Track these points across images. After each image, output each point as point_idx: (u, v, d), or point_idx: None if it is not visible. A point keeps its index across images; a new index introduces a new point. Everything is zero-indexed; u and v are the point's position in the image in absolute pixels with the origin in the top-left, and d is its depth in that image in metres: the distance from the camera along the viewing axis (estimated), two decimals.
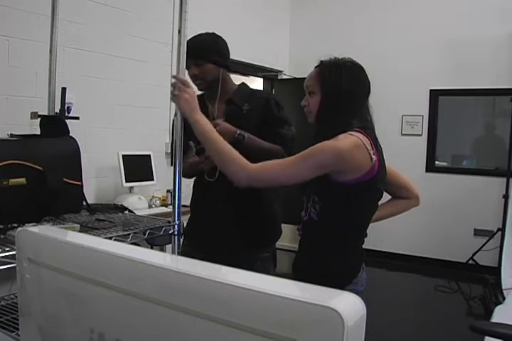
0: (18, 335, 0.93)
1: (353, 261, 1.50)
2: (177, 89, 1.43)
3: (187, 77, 1.56)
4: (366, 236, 1.54)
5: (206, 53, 1.88)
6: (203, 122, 1.44)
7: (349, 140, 1.38)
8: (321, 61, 1.54)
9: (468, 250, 4.62)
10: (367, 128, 1.48)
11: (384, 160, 1.53)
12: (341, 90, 1.47)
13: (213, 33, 1.98)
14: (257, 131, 1.82)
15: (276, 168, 1.38)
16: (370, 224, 1.58)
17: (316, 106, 1.51)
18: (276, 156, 1.81)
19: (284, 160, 1.41)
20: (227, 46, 2.00)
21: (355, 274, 1.47)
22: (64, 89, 2.93)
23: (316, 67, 1.55)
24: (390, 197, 1.74)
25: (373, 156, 1.40)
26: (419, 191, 1.72)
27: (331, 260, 1.45)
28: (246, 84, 2.07)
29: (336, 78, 1.47)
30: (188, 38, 1.46)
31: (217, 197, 1.89)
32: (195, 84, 1.87)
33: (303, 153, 1.37)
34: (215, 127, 1.72)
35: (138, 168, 3.44)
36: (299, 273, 1.53)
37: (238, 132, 1.76)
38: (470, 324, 1.68)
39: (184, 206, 1.50)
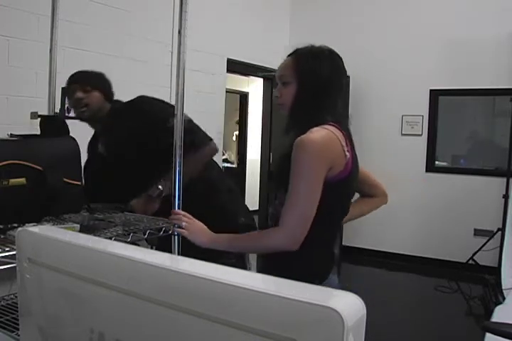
0: (18, 335, 0.93)
1: (322, 262, 1.42)
2: (184, 222, 1.37)
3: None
4: (336, 238, 1.48)
5: (96, 81, 1.89)
6: (221, 239, 1.38)
7: (322, 133, 1.30)
8: (297, 49, 1.44)
9: (468, 250, 4.62)
10: (341, 122, 1.40)
11: (357, 157, 1.44)
12: (319, 80, 1.37)
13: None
14: (150, 146, 1.76)
15: (291, 212, 1.27)
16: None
17: (290, 98, 1.40)
18: (200, 159, 1.79)
19: (289, 199, 1.29)
20: (110, 84, 1.98)
21: (325, 276, 1.39)
22: (64, 89, 2.92)
23: (289, 56, 1.44)
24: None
25: (347, 153, 1.32)
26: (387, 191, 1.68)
27: (296, 260, 1.35)
28: (119, 101, 1.99)
29: (313, 67, 1.37)
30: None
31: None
32: (77, 112, 1.88)
33: (292, 176, 1.28)
34: (139, 210, 1.68)
35: None
36: (267, 273, 1.49)
37: (153, 196, 1.68)
38: (482, 324, 1.68)
39: None
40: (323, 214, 1.30)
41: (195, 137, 1.81)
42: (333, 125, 1.34)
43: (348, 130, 1.40)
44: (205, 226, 1.39)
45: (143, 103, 1.87)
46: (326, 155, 1.28)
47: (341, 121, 1.39)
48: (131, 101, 1.94)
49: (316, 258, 1.40)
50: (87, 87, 1.84)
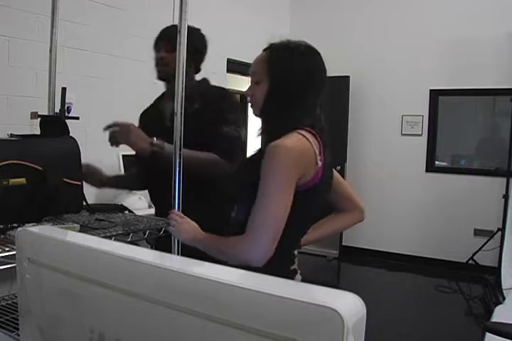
0: (18, 335, 0.93)
1: (281, 272, 1.31)
2: (175, 222, 1.32)
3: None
4: (300, 247, 1.36)
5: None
6: (203, 238, 1.28)
7: (295, 138, 1.20)
8: (271, 44, 1.31)
9: (468, 250, 4.62)
10: (318, 127, 1.28)
11: (331, 166, 1.34)
12: (293, 79, 1.25)
13: (199, 29, 1.89)
14: (208, 132, 1.66)
15: (260, 221, 1.14)
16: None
17: (262, 98, 1.29)
18: (215, 168, 1.65)
19: (257, 206, 1.16)
20: (206, 48, 1.89)
21: None
22: (64, 89, 2.93)
23: (264, 51, 1.33)
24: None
25: (319, 161, 1.23)
26: (364, 207, 1.49)
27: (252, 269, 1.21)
28: (206, 80, 1.89)
29: (286, 64, 1.26)
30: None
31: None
32: (157, 70, 1.81)
33: (263, 183, 1.17)
34: (127, 132, 1.58)
35: None
36: None
37: (154, 142, 1.58)
38: (482, 324, 1.68)
39: None
40: (288, 222, 1.18)
41: (235, 152, 1.73)
42: (309, 131, 1.24)
43: (325, 136, 1.28)
44: (197, 226, 1.33)
45: (223, 99, 1.79)
46: (298, 162, 1.19)
47: (319, 126, 1.28)
48: (218, 91, 1.85)
49: (275, 271, 1.23)
50: (169, 45, 1.74)
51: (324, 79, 1.32)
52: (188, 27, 1.86)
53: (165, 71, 1.78)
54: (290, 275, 1.32)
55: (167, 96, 1.87)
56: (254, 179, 1.21)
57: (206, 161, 1.67)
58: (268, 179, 1.17)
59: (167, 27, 1.85)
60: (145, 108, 2.05)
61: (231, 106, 1.79)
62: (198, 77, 1.92)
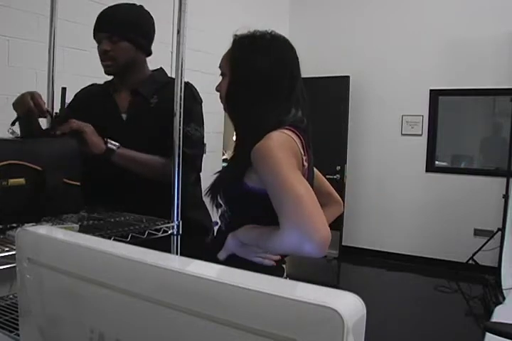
0: (18, 335, 0.93)
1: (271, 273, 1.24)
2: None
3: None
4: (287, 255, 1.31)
5: (125, 28, 1.56)
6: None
7: (281, 137, 1.09)
8: (235, 35, 1.25)
9: (468, 250, 4.62)
10: (301, 128, 1.17)
11: (313, 166, 1.28)
12: (254, 71, 1.16)
13: (140, 6, 1.66)
14: (166, 129, 1.48)
15: (293, 203, 0.99)
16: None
17: (225, 92, 1.21)
18: (166, 171, 1.45)
19: (286, 203, 1.02)
20: (153, 25, 1.65)
21: None
22: (64, 89, 2.91)
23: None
24: None
25: (305, 163, 1.15)
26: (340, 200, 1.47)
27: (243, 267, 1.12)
28: (163, 71, 1.76)
29: (247, 55, 1.17)
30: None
31: None
32: (103, 65, 1.61)
33: (274, 183, 1.03)
34: (81, 132, 1.45)
35: None
36: None
37: (107, 147, 1.50)
38: (483, 324, 1.68)
39: None
40: (273, 223, 1.08)
41: (198, 156, 1.63)
42: (291, 130, 1.14)
43: (308, 135, 1.19)
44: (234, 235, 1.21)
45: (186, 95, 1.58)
46: (291, 156, 1.09)
47: (299, 126, 1.17)
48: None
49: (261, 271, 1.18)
50: (113, 37, 1.55)
51: (296, 71, 1.21)
52: (127, 4, 1.63)
53: (114, 65, 1.61)
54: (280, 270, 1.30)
55: (123, 88, 1.71)
56: (240, 190, 1.16)
57: (157, 165, 1.55)
58: (277, 176, 1.03)
59: (103, 11, 1.62)
60: (84, 90, 1.88)
61: (192, 101, 1.63)
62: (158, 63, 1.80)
